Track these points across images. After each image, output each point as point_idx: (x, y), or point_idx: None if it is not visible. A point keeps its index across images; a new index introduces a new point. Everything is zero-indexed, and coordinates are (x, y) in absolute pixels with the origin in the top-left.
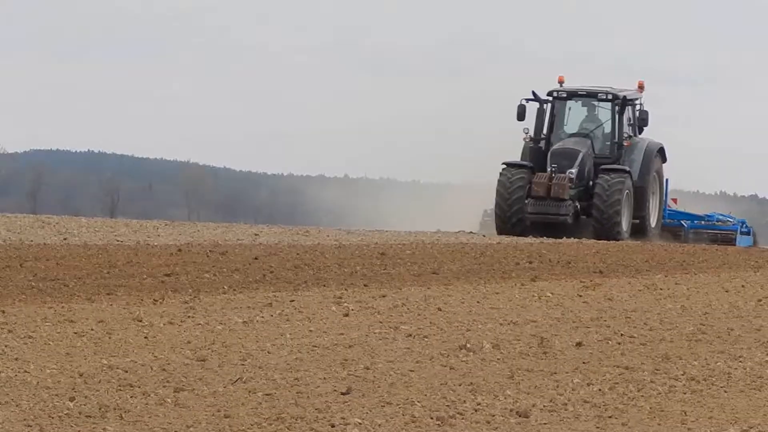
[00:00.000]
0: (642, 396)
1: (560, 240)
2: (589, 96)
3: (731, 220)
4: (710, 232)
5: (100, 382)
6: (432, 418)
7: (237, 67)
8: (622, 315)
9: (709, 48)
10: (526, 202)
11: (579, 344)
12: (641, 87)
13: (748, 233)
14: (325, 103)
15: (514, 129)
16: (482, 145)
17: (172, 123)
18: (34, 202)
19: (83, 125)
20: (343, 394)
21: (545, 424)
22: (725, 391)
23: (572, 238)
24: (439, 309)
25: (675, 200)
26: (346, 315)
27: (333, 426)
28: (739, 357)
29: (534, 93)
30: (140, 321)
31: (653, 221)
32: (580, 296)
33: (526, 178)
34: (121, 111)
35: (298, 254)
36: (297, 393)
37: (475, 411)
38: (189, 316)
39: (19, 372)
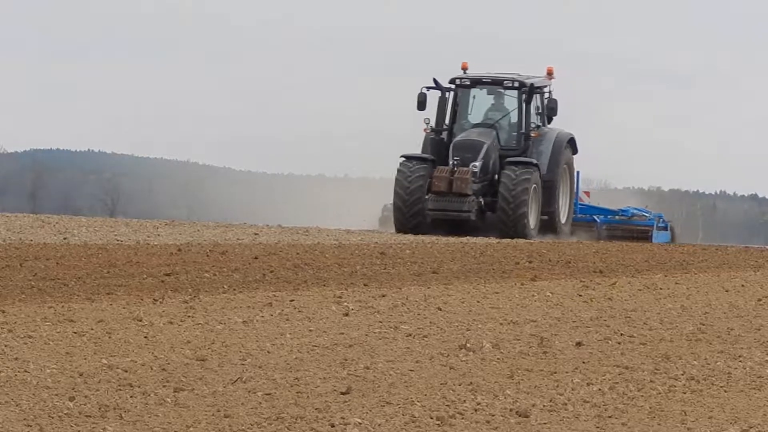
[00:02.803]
0: (642, 396)
1: (559, 240)
2: (495, 83)
3: (647, 214)
4: (625, 227)
5: (100, 381)
6: (432, 418)
7: (237, 66)
8: (622, 315)
9: (710, 48)
10: (426, 197)
11: (579, 344)
12: (550, 73)
13: (665, 228)
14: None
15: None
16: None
17: (172, 123)
18: (34, 202)
19: (83, 125)
20: (343, 393)
21: (545, 424)
22: (725, 391)
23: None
24: (439, 309)
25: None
26: (346, 315)
27: (333, 426)
28: (739, 357)
29: (435, 80)
30: (140, 321)
31: (563, 217)
32: (580, 296)
33: (426, 172)
34: (120, 111)
35: (298, 254)
36: (297, 393)
37: (475, 411)
38: (189, 316)
39: (18, 372)
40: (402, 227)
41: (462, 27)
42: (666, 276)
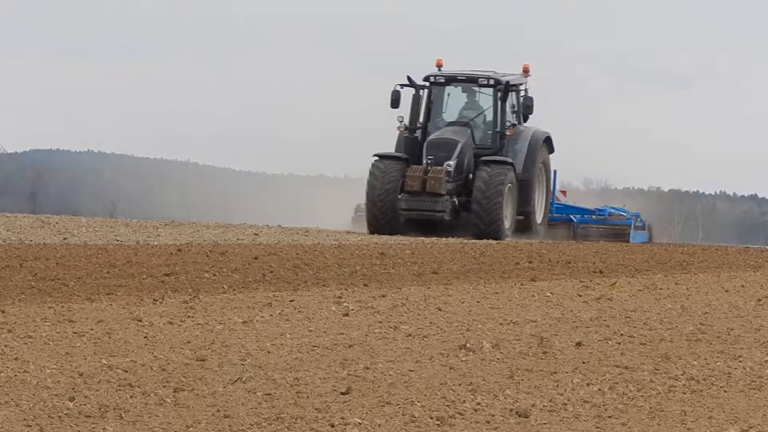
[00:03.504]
0: (642, 396)
1: (559, 240)
2: (470, 81)
3: (624, 214)
4: (602, 227)
5: (100, 382)
6: (432, 418)
7: (237, 65)
8: (622, 315)
9: (710, 48)
10: (399, 197)
11: (579, 344)
12: (526, 71)
13: (643, 228)
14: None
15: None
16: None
17: (172, 123)
18: (34, 202)
19: (83, 125)
20: (343, 394)
21: (545, 424)
22: (725, 391)
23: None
24: (439, 309)
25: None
26: (346, 315)
27: (333, 426)
28: (739, 357)
29: (409, 78)
30: (140, 321)
31: (539, 217)
32: (580, 296)
33: (399, 171)
34: (121, 111)
35: (298, 254)
36: (297, 393)
37: (475, 411)
38: (189, 316)
39: (18, 372)
40: (375, 228)
41: (463, 26)
42: (666, 276)
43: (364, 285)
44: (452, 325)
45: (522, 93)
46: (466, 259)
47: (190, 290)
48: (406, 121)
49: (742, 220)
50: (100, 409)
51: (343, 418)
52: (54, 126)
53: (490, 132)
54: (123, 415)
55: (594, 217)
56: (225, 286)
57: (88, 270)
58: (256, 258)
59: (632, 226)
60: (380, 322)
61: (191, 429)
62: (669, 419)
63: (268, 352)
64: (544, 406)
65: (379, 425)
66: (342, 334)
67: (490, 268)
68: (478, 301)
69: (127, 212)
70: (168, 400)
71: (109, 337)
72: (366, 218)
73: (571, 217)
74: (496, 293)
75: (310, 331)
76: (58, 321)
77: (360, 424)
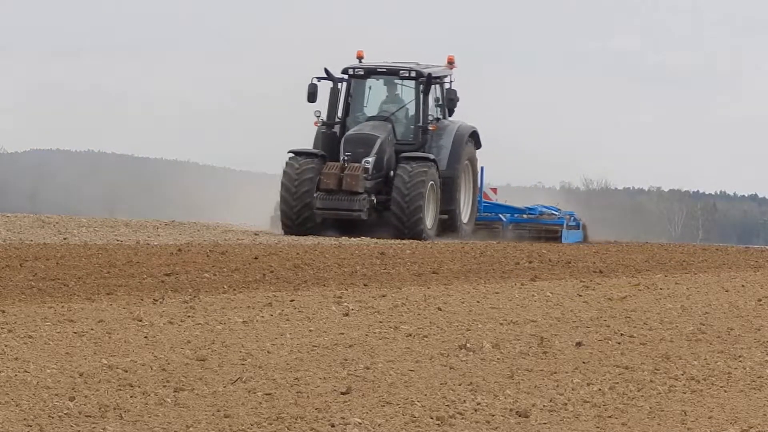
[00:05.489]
0: (642, 396)
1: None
2: (390, 73)
3: (557, 213)
4: (532, 226)
5: (100, 382)
6: (432, 418)
7: (237, 66)
8: (622, 315)
9: (710, 48)
10: (315, 196)
11: (579, 344)
12: (451, 62)
13: (577, 227)
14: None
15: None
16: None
17: (172, 123)
18: (34, 202)
19: (83, 125)
20: (343, 393)
21: (545, 424)
22: (725, 391)
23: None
24: (439, 309)
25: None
26: (346, 315)
27: (333, 426)
28: (739, 357)
29: (326, 70)
30: (140, 321)
31: (466, 216)
32: (580, 296)
33: (315, 169)
34: (121, 111)
35: (298, 254)
36: (297, 393)
37: (475, 411)
38: (189, 316)
39: (19, 372)
40: (289, 228)
41: (472, 27)
42: (666, 276)
43: (364, 285)
44: (452, 325)
45: (446, 85)
46: (466, 259)
47: (190, 290)
48: (324, 116)
49: (742, 220)
50: (100, 409)
51: (343, 418)
52: (54, 126)
53: (412, 127)
54: (123, 415)
55: (525, 216)
56: (225, 286)
57: (88, 270)
58: (256, 258)
59: (564, 225)
60: (380, 322)
61: (191, 429)
62: (669, 419)
63: (268, 352)
64: (544, 406)
65: (379, 425)
66: (342, 334)
67: (490, 268)
68: (478, 301)
69: (127, 212)
70: (168, 400)
71: (109, 337)
72: (280, 218)
73: (501, 216)
74: (496, 293)
75: (310, 331)
76: (58, 321)
77: (360, 424)
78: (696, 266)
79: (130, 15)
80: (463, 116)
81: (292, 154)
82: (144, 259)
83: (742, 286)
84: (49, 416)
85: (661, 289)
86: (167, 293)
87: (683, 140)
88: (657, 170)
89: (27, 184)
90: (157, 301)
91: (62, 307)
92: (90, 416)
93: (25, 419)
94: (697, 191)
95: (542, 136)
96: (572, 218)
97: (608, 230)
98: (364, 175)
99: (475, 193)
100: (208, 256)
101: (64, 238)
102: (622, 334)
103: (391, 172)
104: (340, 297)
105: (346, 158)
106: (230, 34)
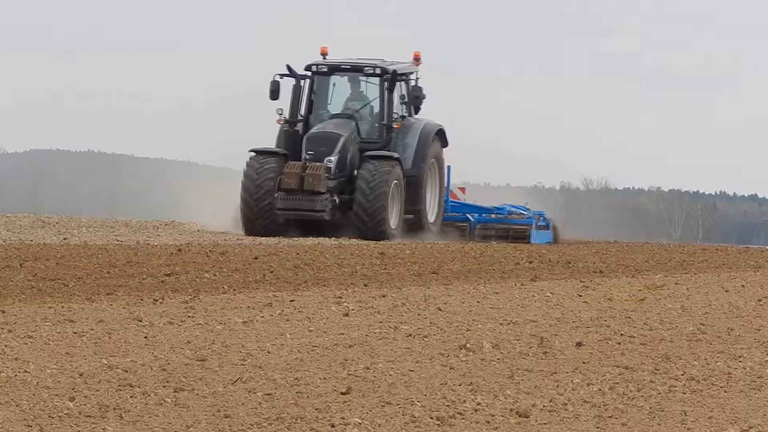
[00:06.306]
0: (642, 396)
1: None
2: (354, 70)
3: (525, 212)
4: (500, 226)
5: (100, 382)
6: (432, 418)
7: (237, 66)
8: (622, 315)
9: (709, 48)
10: (276, 196)
11: (579, 344)
12: (417, 59)
13: (546, 227)
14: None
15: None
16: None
17: (171, 123)
18: (34, 202)
19: (83, 125)
20: (343, 394)
21: (545, 424)
22: (725, 391)
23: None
24: (439, 309)
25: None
26: (346, 315)
27: (333, 426)
28: (739, 357)
29: (288, 67)
30: (140, 321)
31: (432, 216)
32: (580, 296)
33: (276, 168)
34: (121, 111)
35: (298, 254)
36: (297, 393)
37: (475, 411)
38: (189, 316)
39: (19, 372)
40: (251, 229)
41: (473, 27)
42: (666, 276)
43: (365, 285)
44: (452, 325)
45: (412, 83)
46: (466, 259)
47: (190, 290)
48: (286, 114)
49: (742, 220)
50: (100, 409)
51: (343, 418)
52: (54, 126)
53: (377, 125)
54: (123, 415)
55: (493, 216)
56: (225, 286)
57: (88, 270)
58: (256, 258)
59: (533, 225)
60: (380, 322)
61: (191, 429)
62: (669, 419)
63: (268, 352)
64: (544, 406)
65: (379, 425)
66: (342, 334)
67: (490, 268)
68: (478, 301)
69: (127, 212)
70: (168, 400)
71: (109, 337)
72: (241, 219)
73: (468, 216)
74: (496, 293)
75: (311, 331)
76: (58, 321)
77: (360, 424)
78: (696, 266)
79: (130, 15)
80: (463, 116)
81: (253, 153)
82: (144, 259)
83: (742, 286)
84: (49, 416)
85: (661, 289)
86: (167, 293)
87: (683, 140)
88: (657, 170)
89: (27, 184)
90: (157, 301)
91: (62, 307)
92: (90, 416)
93: (25, 419)
94: (697, 191)
95: (542, 137)
96: (542, 218)
97: (608, 230)
98: (327, 175)
99: (442, 192)
100: (208, 256)
101: (64, 238)
102: (622, 334)
103: (355, 172)
104: (340, 297)
105: (308, 157)
106: (230, 34)
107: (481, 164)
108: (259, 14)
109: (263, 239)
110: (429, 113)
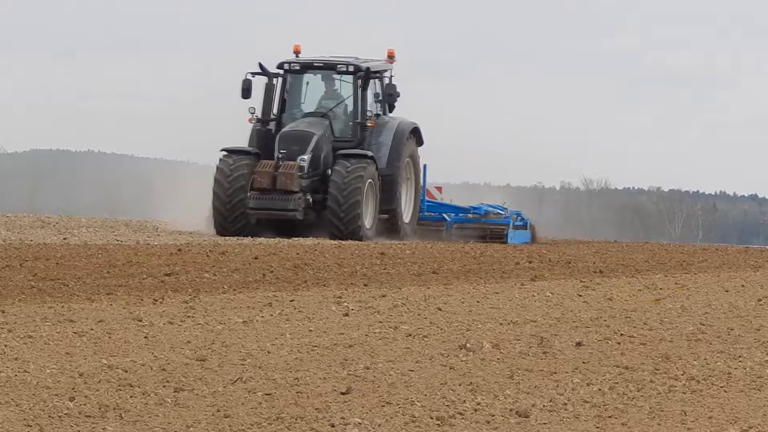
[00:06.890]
0: (642, 396)
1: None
2: (328, 68)
3: (503, 212)
4: (477, 226)
5: (100, 382)
6: (432, 418)
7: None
8: (622, 315)
9: (709, 47)
10: (248, 195)
11: (579, 344)
12: (391, 56)
13: (524, 227)
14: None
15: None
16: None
17: (171, 123)
18: (34, 202)
19: (83, 125)
20: (343, 393)
21: (545, 424)
22: (725, 391)
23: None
24: (439, 309)
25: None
26: (346, 315)
27: (333, 426)
28: (739, 357)
29: (261, 65)
30: (140, 321)
31: (407, 216)
32: (580, 296)
33: (249, 167)
34: (121, 111)
35: (298, 254)
36: (297, 393)
37: (475, 411)
38: (189, 316)
39: (18, 372)
40: (223, 229)
41: (474, 26)
42: (666, 276)
43: (364, 285)
44: (452, 325)
45: (386, 80)
46: (466, 259)
47: (190, 290)
48: (259, 113)
49: (742, 220)
50: (100, 409)
51: (343, 418)
52: (54, 126)
53: (351, 123)
54: (123, 415)
55: (470, 215)
56: (225, 286)
57: (88, 270)
58: (256, 258)
59: (510, 225)
60: (380, 322)
61: (191, 429)
62: (669, 419)
63: (268, 352)
64: (544, 406)
65: (379, 425)
66: (342, 334)
67: (490, 268)
68: (478, 301)
69: (127, 212)
70: (168, 400)
71: (109, 337)
72: (213, 219)
73: (445, 216)
74: (496, 293)
75: (310, 331)
76: (58, 321)
77: (360, 424)
78: (696, 266)
79: (129, 15)
80: (463, 116)
81: (224, 152)
82: (144, 259)
83: (742, 286)
84: (49, 416)
85: (661, 289)
86: (167, 293)
87: (683, 140)
88: (657, 170)
89: (27, 184)
90: (157, 301)
91: (62, 307)
92: (90, 416)
93: (25, 419)
94: (697, 191)
95: (542, 136)
96: (519, 218)
97: (608, 230)
98: (299, 174)
99: (418, 192)
100: (208, 256)
101: (64, 238)
102: (622, 334)
103: (329, 171)
104: (340, 297)
105: (280, 156)
106: (231, 34)
107: (481, 164)
108: (259, 14)
109: (263, 239)
110: (429, 113)
